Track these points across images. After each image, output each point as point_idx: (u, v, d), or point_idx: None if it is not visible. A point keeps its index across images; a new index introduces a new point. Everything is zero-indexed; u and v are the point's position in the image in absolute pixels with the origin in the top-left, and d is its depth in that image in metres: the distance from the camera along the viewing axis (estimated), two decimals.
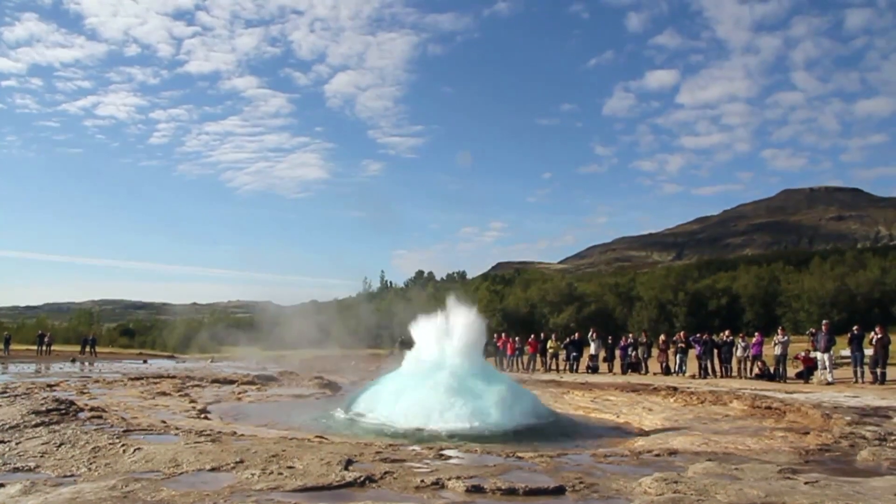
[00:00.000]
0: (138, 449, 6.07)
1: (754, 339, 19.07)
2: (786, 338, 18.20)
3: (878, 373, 15.67)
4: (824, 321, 18.30)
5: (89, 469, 5.41)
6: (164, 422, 8.79)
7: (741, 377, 18.37)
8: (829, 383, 15.90)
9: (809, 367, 17.41)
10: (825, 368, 16.53)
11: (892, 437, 7.60)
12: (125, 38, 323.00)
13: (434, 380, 10.91)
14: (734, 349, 19.18)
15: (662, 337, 22.43)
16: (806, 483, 5.14)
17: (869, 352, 16.53)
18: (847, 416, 9.54)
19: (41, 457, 5.83)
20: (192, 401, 12.74)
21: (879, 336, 16.02)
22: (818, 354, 17.03)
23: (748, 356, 18.86)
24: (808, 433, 8.29)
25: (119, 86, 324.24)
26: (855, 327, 17.09)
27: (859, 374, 16.24)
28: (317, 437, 7.93)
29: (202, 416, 10.68)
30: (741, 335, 20.44)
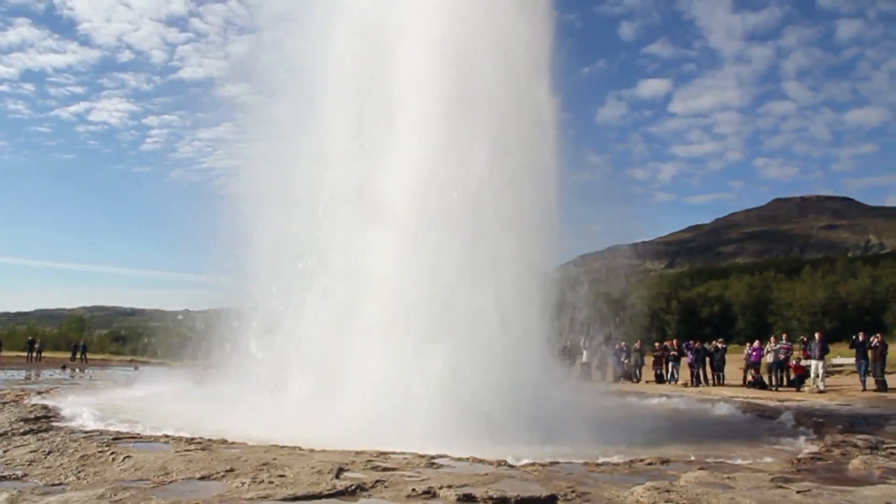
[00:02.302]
0: (127, 457, 6.01)
1: (753, 346, 19.10)
2: (778, 345, 18.19)
3: (877, 381, 15.70)
4: (818, 332, 18.21)
5: (78, 477, 5.34)
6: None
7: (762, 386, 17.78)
8: (820, 391, 15.94)
9: (801, 376, 17.46)
10: (817, 377, 16.57)
11: (884, 446, 7.63)
12: (118, 44, 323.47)
13: None
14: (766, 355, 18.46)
15: (657, 345, 22.43)
16: (798, 492, 5.14)
17: None
18: (839, 424, 9.58)
19: (29, 465, 5.76)
20: None
21: (878, 343, 16.02)
22: (811, 362, 17.06)
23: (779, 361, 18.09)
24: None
25: (112, 91, 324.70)
26: (860, 334, 16.55)
27: (865, 382, 15.98)
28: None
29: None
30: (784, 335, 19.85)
